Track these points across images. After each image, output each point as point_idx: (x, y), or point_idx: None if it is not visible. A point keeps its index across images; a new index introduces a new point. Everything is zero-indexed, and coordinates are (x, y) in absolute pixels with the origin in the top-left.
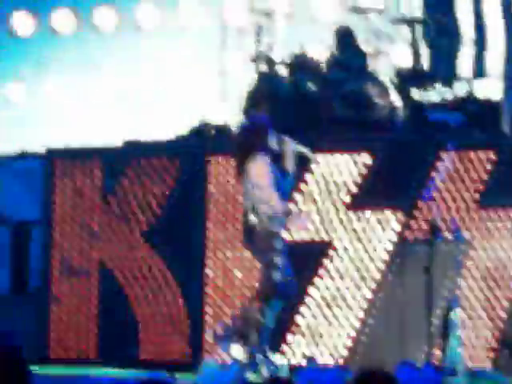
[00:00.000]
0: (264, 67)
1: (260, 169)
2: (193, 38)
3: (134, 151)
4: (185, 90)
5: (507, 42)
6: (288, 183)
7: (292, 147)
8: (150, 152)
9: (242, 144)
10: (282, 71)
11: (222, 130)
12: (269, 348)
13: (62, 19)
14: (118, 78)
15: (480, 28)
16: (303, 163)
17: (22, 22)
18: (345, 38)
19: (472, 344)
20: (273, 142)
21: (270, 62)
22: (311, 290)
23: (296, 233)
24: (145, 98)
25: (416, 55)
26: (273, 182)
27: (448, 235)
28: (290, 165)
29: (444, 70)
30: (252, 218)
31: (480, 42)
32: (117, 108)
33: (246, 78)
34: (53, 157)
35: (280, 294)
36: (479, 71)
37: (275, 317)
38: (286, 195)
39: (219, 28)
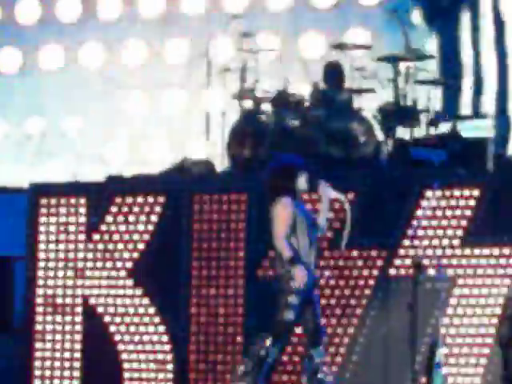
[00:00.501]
0: (248, 104)
1: (280, 213)
2: (178, 73)
3: (119, 187)
4: (169, 126)
5: (499, 81)
6: (317, 230)
7: (326, 194)
8: (135, 188)
9: (269, 186)
10: (267, 108)
11: (207, 166)
12: None
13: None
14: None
15: (478, 69)
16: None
17: None
18: (333, 71)
19: (456, 382)
20: (303, 185)
21: (255, 99)
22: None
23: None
24: (129, 134)
25: (397, 92)
26: (299, 224)
27: (432, 272)
28: (322, 217)
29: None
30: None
31: (478, 83)
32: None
33: (231, 115)
34: (37, 192)
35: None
36: (475, 111)
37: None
38: (314, 239)
39: (204, 63)
